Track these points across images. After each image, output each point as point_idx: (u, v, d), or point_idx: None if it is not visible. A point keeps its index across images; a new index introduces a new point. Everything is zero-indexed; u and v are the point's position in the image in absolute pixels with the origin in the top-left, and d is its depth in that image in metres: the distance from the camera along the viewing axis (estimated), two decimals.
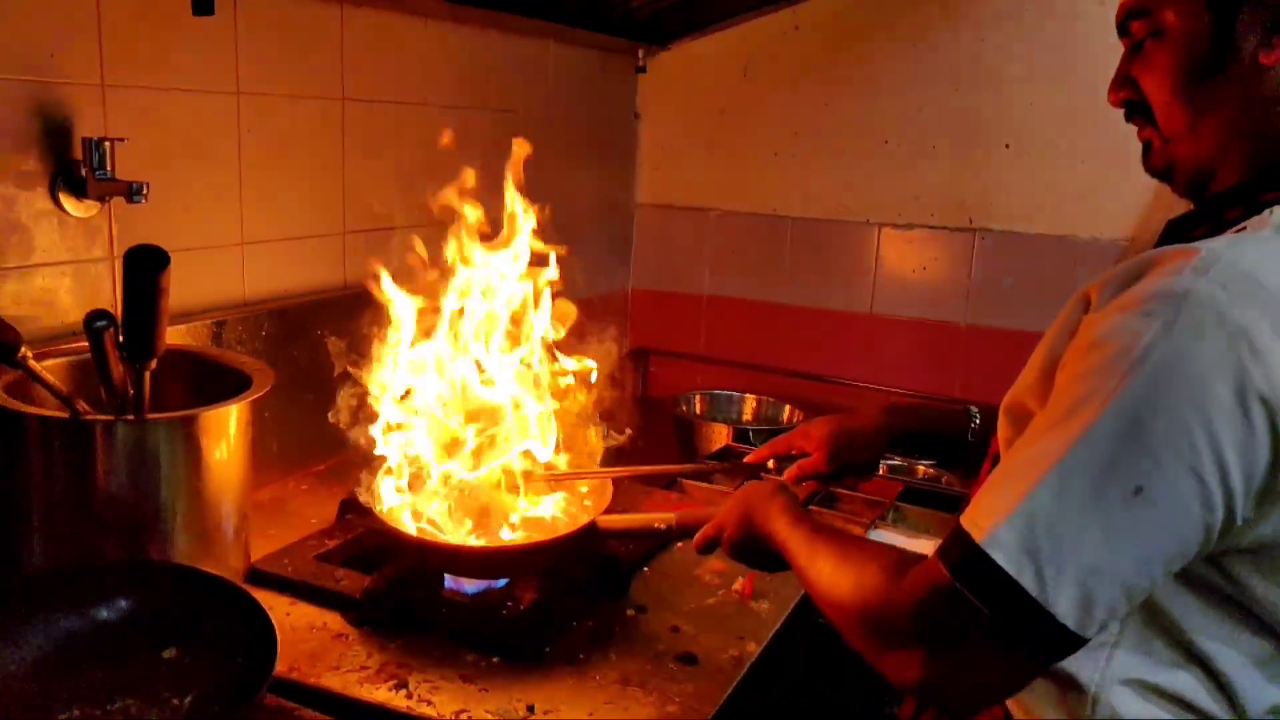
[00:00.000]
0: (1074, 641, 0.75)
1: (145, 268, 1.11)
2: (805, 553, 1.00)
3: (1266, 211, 0.84)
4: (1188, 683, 0.84)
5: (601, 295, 2.81)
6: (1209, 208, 0.92)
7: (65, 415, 1.18)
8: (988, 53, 2.42)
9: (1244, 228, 0.84)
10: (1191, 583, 0.82)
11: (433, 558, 1.35)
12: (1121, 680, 0.85)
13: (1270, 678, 0.84)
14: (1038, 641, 0.76)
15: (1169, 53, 0.89)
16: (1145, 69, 0.91)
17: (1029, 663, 0.79)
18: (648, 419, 2.54)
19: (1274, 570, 0.80)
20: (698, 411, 2.64)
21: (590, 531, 1.36)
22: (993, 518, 0.76)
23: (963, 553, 0.77)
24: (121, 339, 1.17)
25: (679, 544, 1.59)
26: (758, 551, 1.13)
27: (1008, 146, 2.44)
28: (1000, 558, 0.75)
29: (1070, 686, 0.87)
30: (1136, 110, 0.94)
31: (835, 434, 1.37)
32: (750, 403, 2.72)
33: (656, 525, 1.31)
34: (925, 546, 0.84)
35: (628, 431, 2.18)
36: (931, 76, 2.48)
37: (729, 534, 1.17)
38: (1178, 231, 0.95)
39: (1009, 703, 0.93)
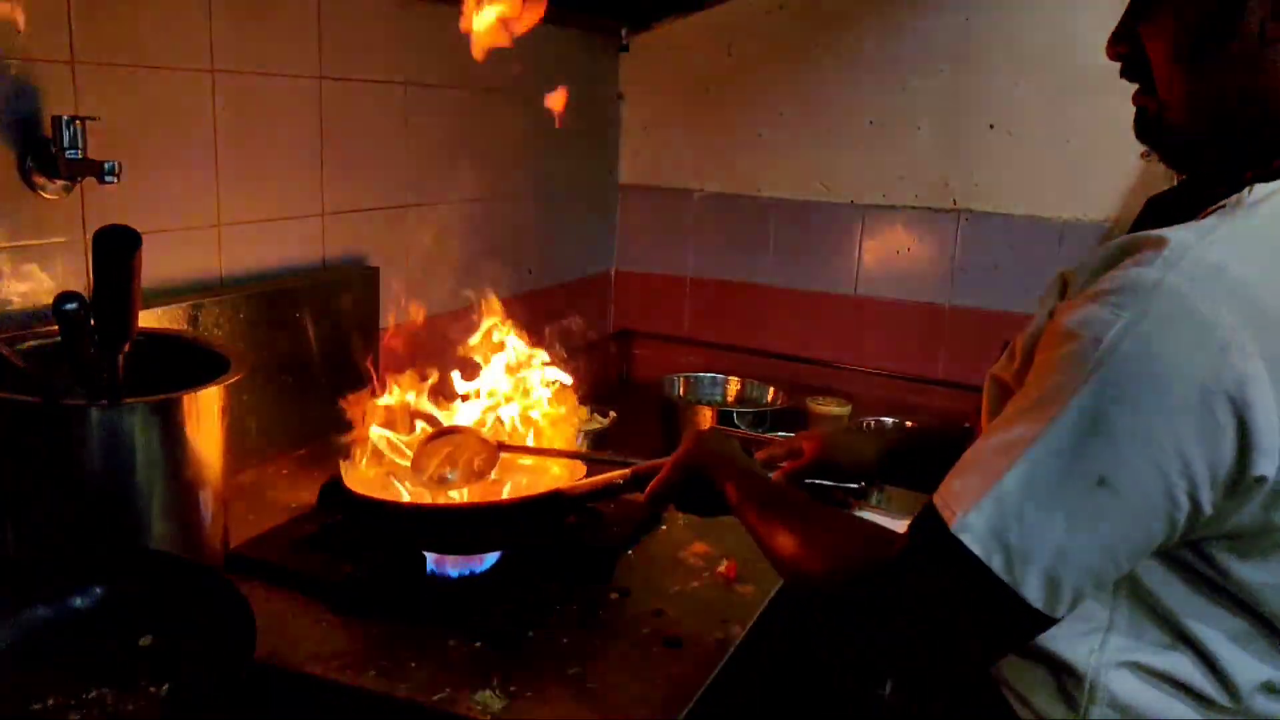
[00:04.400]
0: (1044, 621, 0.78)
1: (116, 249, 1.09)
2: (761, 519, 1.01)
3: (1245, 190, 0.83)
4: (1180, 663, 0.85)
5: (584, 277, 2.80)
6: (1191, 185, 0.91)
7: (37, 400, 1.16)
8: (972, 32, 2.41)
9: (1222, 205, 0.84)
10: (1176, 566, 0.83)
11: (394, 519, 1.34)
12: (1117, 664, 0.86)
13: (1257, 655, 0.84)
14: (1009, 620, 0.78)
15: (1175, 15, 0.87)
16: (1149, 28, 0.89)
17: (1001, 640, 0.82)
18: (631, 402, 2.54)
19: (1253, 555, 0.81)
20: (681, 394, 2.63)
21: (554, 500, 1.34)
22: (964, 502, 0.78)
23: (935, 535, 0.79)
24: (93, 322, 1.14)
25: (664, 526, 1.58)
26: (707, 502, 1.15)
27: (992, 127, 2.44)
28: (970, 541, 0.77)
29: (1066, 673, 0.87)
30: (1133, 67, 0.92)
31: (829, 437, 1.38)
32: (734, 385, 2.71)
33: (615, 481, 1.30)
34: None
35: (612, 414, 2.18)
36: (916, 56, 2.47)
37: (679, 488, 1.18)
38: (1158, 209, 0.94)
39: (1004, 690, 0.92)
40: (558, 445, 1.48)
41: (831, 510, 0.98)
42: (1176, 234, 0.79)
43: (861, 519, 0.94)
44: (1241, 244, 0.79)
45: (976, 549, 0.76)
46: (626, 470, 1.29)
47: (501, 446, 1.44)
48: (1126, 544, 0.77)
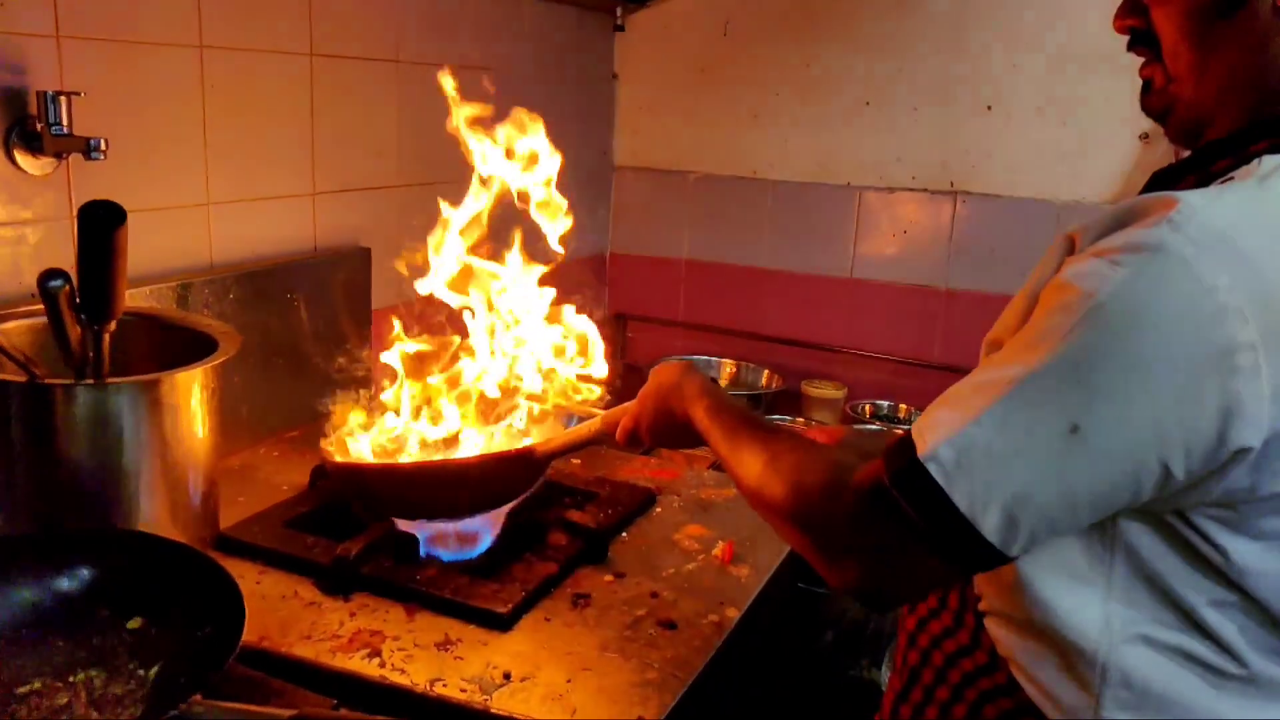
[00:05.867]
0: (999, 558, 0.79)
1: (100, 224, 1.07)
2: (728, 446, 1.01)
3: (1255, 161, 0.83)
4: (1183, 636, 0.84)
5: (579, 259, 2.77)
6: (1198, 158, 0.90)
7: (23, 380, 1.14)
8: (970, 13, 2.39)
9: (1231, 178, 0.83)
10: (1171, 539, 0.82)
11: (362, 479, 1.34)
12: (1126, 640, 0.85)
13: (1254, 626, 0.84)
14: (965, 553, 0.79)
15: None
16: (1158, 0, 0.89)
17: (956, 569, 0.82)
18: (626, 385, 2.52)
19: (1243, 528, 0.80)
20: None
21: (529, 458, 1.33)
22: (938, 433, 0.79)
23: (904, 463, 0.80)
24: (79, 299, 1.12)
25: (659, 508, 1.57)
26: (680, 434, 1.14)
27: (990, 108, 2.42)
28: (936, 472, 0.77)
29: (1076, 654, 0.86)
30: (1141, 40, 0.92)
31: (846, 433, 1.38)
32: (729, 368, 2.70)
33: (590, 431, 1.29)
34: None
35: (606, 397, 2.16)
36: (913, 37, 2.45)
37: (647, 422, 1.18)
38: (1164, 182, 0.93)
39: (1014, 672, 0.91)
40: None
41: (798, 436, 0.98)
42: (1188, 196, 0.78)
43: (828, 449, 0.94)
44: (1250, 214, 0.78)
45: (941, 479, 0.77)
46: (596, 420, 1.28)
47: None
48: (1089, 496, 0.77)
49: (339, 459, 1.38)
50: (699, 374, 1.15)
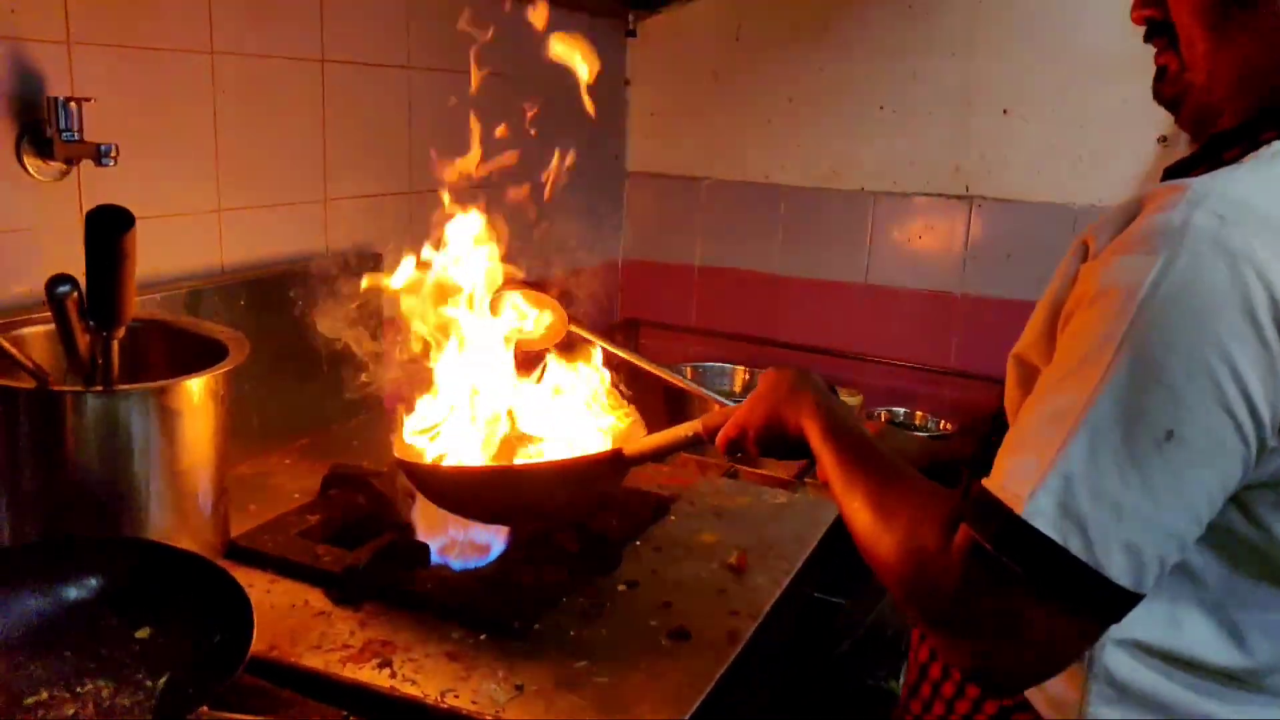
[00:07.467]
0: (1131, 599, 0.73)
1: (108, 229, 1.06)
2: (840, 482, 0.95)
3: (1265, 147, 0.82)
4: (1183, 638, 0.82)
5: (591, 266, 2.76)
6: (1208, 149, 0.89)
7: (32, 386, 1.13)
8: (985, 16, 2.37)
9: (1240, 163, 0.82)
10: (1212, 529, 0.78)
11: (455, 482, 1.29)
12: (1114, 641, 0.83)
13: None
14: (1094, 605, 0.73)
15: None
16: None
17: (1087, 628, 0.76)
18: (638, 391, 2.51)
19: None
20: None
21: (618, 459, 1.26)
22: (1027, 484, 0.73)
23: (1002, 523, 0.74)
24: (87, 305, 1.12)
25: (672, 516, 1.55)
26: (790, 447, 1.08)
27: (1005, 112, 2.40)
28: (1044, 525, 0.72)
29: None
30: (1158, 30, 0.91)
31: (879, 431, 1.34)
32: (742, 375, 2.68)
33: (684, 435, 1.21)
34: None
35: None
36: (928, 40, 2.43)
37: (754, 431, 1.11)
38: (1176, 175, 0.92)
39: None
40: None
41: (912, 479, 0.90)
42: (1195, 179, 0.77)
43: (944, 502, 0.84)
44: (1262, 182, 0.77)
45: (1051, 532, 0.71)
46: (696, 423, 1.20)
47: (573, 320, 1.42)
48: (1205, 495, 0.73)
49: (409, 459, 1.31)
50: (815, 384, 1.08)
